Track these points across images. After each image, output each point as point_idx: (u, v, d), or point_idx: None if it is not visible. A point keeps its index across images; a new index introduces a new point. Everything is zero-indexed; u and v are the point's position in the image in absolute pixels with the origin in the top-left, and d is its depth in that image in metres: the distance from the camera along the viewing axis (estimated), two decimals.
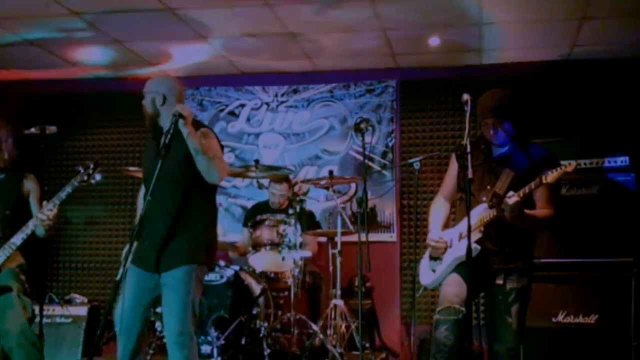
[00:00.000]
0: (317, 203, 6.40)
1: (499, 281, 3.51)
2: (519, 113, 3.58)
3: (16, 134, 4.16)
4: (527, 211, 3.40)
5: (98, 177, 3.87)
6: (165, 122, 3.53)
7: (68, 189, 3.83)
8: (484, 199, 3.53)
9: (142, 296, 3.47)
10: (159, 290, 3.47)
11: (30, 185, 4.16)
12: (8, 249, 3.88)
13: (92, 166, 3.86)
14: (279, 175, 5.73)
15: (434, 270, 3.68)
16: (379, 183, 6.53)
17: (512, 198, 3.31)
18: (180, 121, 3.35)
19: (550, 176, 3.30)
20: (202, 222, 3.50)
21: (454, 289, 3.52)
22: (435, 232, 3.70)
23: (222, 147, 3.63)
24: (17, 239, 3.88)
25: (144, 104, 3.61)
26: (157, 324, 5.05)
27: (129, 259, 3.32)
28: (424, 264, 3.77)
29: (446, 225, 3.77)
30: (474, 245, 3.38)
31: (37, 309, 4.07)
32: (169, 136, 3.37)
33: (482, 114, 3.55)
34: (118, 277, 3.25)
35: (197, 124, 3.58)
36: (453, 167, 3.77)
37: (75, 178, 3.84)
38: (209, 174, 3.40)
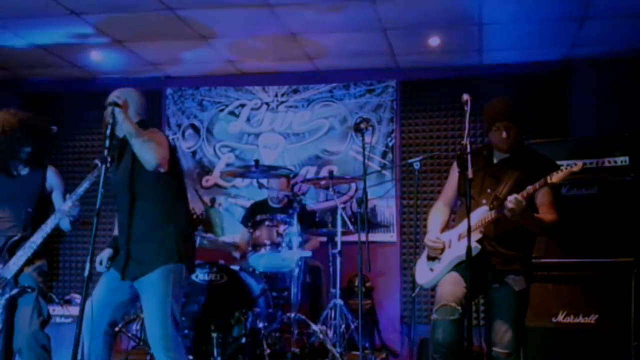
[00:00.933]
0: (317, 203, 6.41)
1: (496, 284, 3.51)
2: (525, 119, 3.62)
3: (35, 127, 4.09)
4: (535, 214, 3.41)
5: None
6: (120, 132, 3.50)
7: (86, 185, 3.73)
8: (484, 201, 3.53)
9: (112, 295, 3.49)
10: (132, 292, 3.48)
11: (53, 181, 4.09)
12: (29, 249, 3.83)
13: (109, 160, 3.77)
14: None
15: (431, 270, 3.68)
16: (379, 183, 6.53)
17: (514, 195, 3.32)
18: (116, 109, 3.34)
19: (556, 176, 3.29)
20: (172, 223, 3.48)
21: (450, 287, 3.52)
22: (433, 233, 3.70)
23: (169, 142, 3.56)
24: (38, 237, 3.83)
25: (105, 114, 3.55)
26: None
27: (88, 259, 3.27)
28: (422, 264, 3.77)
29: (445, 228, 3.78)
30: (474, 245, 3.38)
31: None
32: (109, 127, 3.34)
33: (493, 117, 3.57)
34: (86, 274, 3.24)
35: (145, 124, 3.58)
36: (454, 173, 3.78)
37: (92, 172, 3.73)
38: (144, 156, 3.35)
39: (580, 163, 3.33)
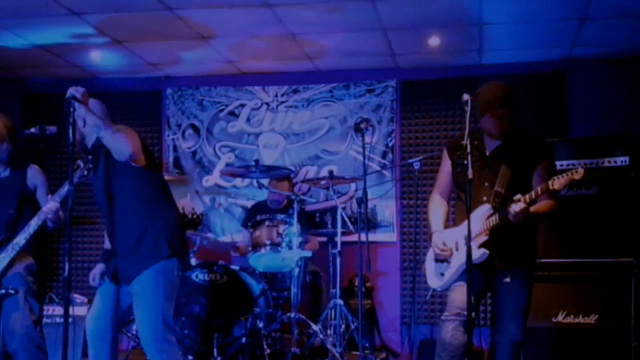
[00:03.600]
0: (317, 203, 6.41)
1: (506, 279, 3.51)
2: (519, 105, 3.59)
3: (16, 129, 4.08)
4: (531, 209, 3.41)
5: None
6: (89, 141, 3.48)
7: (69, 185, 3.75)
8: (485, 198, 3.53)
9: (112, 304, 3.48)
10: (131, 298, 3.44)
11: (36, 179, 4.06)
12: (12, 250, 3.82)
13: (92, 159, 3.77)
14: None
15: (442, 274, 3.68)
16: (379, 183, 6.53)
17: (518, 205, 3.32)
18: (75, 103, 3.26)
19: (557, 182, 3.30)
20: (158, 219, 3.42)
21: (461, 295, 3.49)
22: (438, 233, 3.68)
23: (140, 137, 3.48)
24: (21, 239, 3.82)
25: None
26: None
27: (66, 258, 3.27)
28: (430, 267, 3.76)
29: (445, 221, 3.78)
30: (482, 250, 3.43)
31: None
32: (70, 120, 3.26)
33: (489, 105, 3.50)
34: (65, 274, 3.23)
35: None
36: (446, 163, 3.77)
37: (75, 173, 3.70)
38: (115, 146, 3.27)
39: (581, 170, 3.29)
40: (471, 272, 3.23)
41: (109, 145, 3.30)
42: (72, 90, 3.28)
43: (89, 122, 3.29)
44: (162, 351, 3.33)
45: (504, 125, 3.53)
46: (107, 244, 3.60)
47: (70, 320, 5.70)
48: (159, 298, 3.34)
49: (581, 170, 3.30)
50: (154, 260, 3.35)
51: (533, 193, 3.35)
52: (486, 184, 3.54)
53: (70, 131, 3.27)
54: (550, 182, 3.31)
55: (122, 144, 3.27)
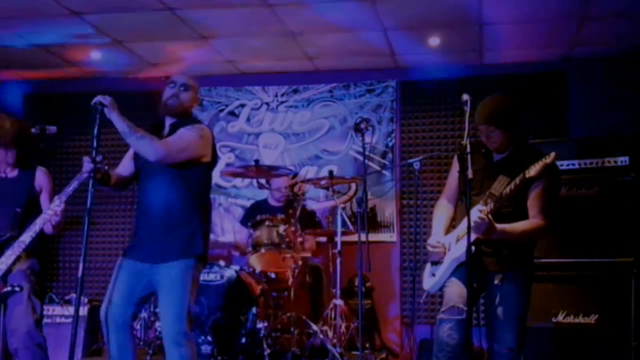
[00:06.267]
0: (317, 203, 6.41)
1: (498, 282, 3.50)
2: (513, 119, 3.54)
3: (25, 130, 4.10)
4: (502, 226, 3.38)
5: (105, 170, 3.80)
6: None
7: (75, 184, 3.72)
8: (481, 202, 3.53)
9: (133, 292, 3.47)
10: (152, 287, 3.45)
11: (42, 181, 4.10)
12: (17, 248, 3.83)
13: (98, 159, 3.78)
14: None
15: (434, 275, 3.68)
16: (379, 183, 6.53)
17: (475, 212, 3.31)
18: (105, 109, 3.30)
19: (533, 169, 3.30)
20: (197, 216, 3.48)
21: (457, 289, 3.51)
22: (434, 236, 3.69)
23: (212, 145, 3.56)
24: (26, 237, 3.82)
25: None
26: (157, 324, 5.06)
27: (82, 259, 3.29)
28: (427, 269, 3.77)
29: (449, 227, 3.77)
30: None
31: None
32: (96, 124, 3.30)
33: (476, 121, 3.54)
34: (79, 274, 3.25)
35: (189, 121, 3.57)
36: (455, 169, 3.76)
37: (82, 172, 3.73)
38: (142, 153, 3.41)
39: (553, 153, 3.34)
40: (471, 268, 3.24)
41: (137, 151, 3.45)
42: (99, 98, 3.33)
43: (118, 128, 3.34)
44: (182, 345, 3.33)
45: (492, 141, 3.53)
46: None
47: (69, 320, 5.74)
48: (186, 293, 3.37)
49: (552, 154, 3.34)
50: (187, 255, 3.40)
51: (513, 186, 3.35)
52: (487, 192, 3.55)
53: (95, 135, 3.31)
54: (526, 171, 3.31)
55: (147, 150, 3.37)
